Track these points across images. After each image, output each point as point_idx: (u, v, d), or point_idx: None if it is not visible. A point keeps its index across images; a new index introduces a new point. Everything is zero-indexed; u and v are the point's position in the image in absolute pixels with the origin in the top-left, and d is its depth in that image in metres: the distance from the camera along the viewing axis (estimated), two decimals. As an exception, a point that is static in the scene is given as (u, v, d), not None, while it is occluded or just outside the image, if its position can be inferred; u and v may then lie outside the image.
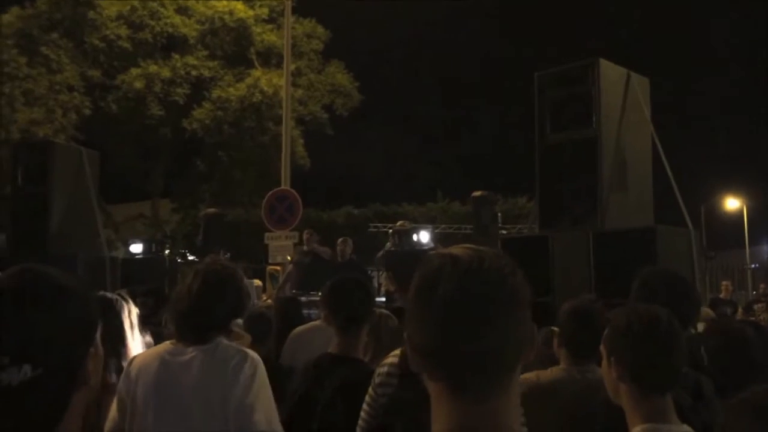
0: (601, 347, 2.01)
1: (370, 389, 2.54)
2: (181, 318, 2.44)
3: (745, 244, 27.57)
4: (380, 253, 8.51)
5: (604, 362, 1.99)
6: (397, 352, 2.50)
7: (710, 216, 27.24)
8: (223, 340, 2.43)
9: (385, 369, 2.54)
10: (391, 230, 8.93)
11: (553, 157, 5.84)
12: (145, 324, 3.94)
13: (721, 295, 12.33)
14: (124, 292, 3.18)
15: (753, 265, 21.27)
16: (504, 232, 13.73)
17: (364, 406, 2.55)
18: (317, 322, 4.46)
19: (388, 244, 8.33)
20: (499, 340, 1.05)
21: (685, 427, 1.86)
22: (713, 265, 15.89)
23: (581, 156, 5.59)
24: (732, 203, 30.89)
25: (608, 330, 2.00)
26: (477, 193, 7.72)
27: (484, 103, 28.01)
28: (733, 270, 17.76)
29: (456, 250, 1.13)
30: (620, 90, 5.74)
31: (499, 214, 8.37)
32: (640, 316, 1.93)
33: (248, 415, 2.27)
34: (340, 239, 8.86)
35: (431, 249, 7.24)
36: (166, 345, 2.47)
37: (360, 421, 2.57)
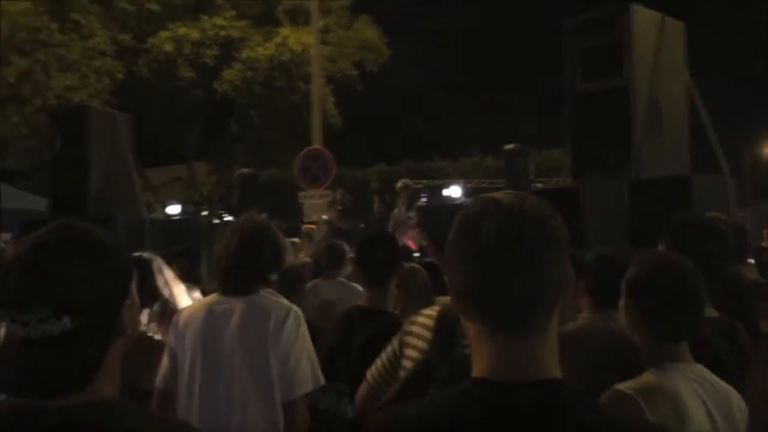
0: (623, 284, 2.02)
1: (394, 342, 2.58)
2: (223, 272, 2.56)
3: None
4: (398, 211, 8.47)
5: (624, 300, 2.01)
6: (430, 312, 2.48)
7: (756, 163, 26.54)
8: (265, 292, 2.54)
9: (413, 328, 2.55)
10: (400, 187, 8.86)
11: (584, 107, 5.74)
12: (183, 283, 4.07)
13: (764, 243, 12.12)
14: (157, 255, 3.30)
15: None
16: (539, 185, 13.60)
17: (383, 356, 2.60)
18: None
19: (399, 205, 8.32)
20: (539, 280, 1.09)
21: (698, 366, 1.88)
22: (757, 212, 15.55)
23: (613, 105, 5.48)
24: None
25: (632, 271, 2.01)
26: (509, 147, 7.65)
27: (515, 53, 27.42)
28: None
29: (497, 194, 1.17)
30: (653, 36, 5.58)
31: (533, 167, 8.31)
32: (665, 267, 1.94)
33: (294, 366, 2.38)
34: (376, 196, 8.89)
35: (463, 203, 7.24)
36: (211, 297, 2.59)
37: (374, 369, 2.61)
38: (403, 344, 2.53)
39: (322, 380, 2.49)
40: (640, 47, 5.49)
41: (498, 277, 1.09)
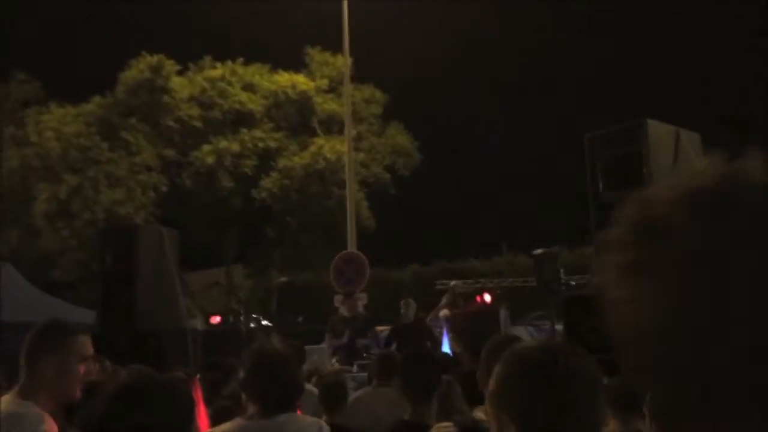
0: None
1: None
2: (252, 395, 2.73)
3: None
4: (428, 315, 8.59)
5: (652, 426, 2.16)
6: (449, 425, 2.62)
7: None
8: (293, 414, 2.70)
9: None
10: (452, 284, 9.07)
11: (607, 216, 5.94)
12: (212, 398, 4.20)
13: None
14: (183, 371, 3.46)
15: None
16: (573, 283, 13.63)
17: None
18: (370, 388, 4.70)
19: (443, 302, 8.47)
20: (588, 419, 1.34)
21: None
22: None
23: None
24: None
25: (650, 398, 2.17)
26: (538, 251, 7.86)
27: (539, 155, 28.16)
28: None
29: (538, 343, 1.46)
30: (670, 148, 5.87)
31: (562, 270, 8.46)
32: None
33: None
34: (403, 301, 9.05)
35: (495, 310, 7.39)
36: (238, 420, 2.73)
37: None
38: None
39: None
40: (658, 158, 5.77)
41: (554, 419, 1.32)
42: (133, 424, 1.53)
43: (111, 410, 1.55)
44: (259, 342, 2.92)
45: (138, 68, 22.33)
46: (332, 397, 4.26)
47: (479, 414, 2.52)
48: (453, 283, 9.56)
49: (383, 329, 10.77)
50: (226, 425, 2.69)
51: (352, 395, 4.71)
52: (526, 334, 13.89)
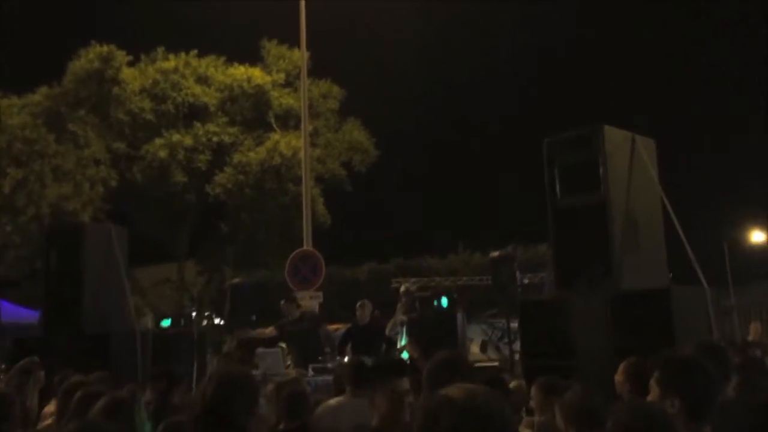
0: None
1: None
2: (196, 419, 2.65)
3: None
4: (399, 318, 8.56)
5: None
6: None
7: (735, 251, 26.99)
8: None
9: None
10: (403, 291, 9.01)
11: (565, 220, 6.00)
12: (162, 407, 4.08)
13: (750, 337, 12.19)
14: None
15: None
16: (525, 281, 13.76)
17: None
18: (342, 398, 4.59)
19: (399, 308, 8.42)
20: None
21: None
22: (741, 302, 15.71)
23: (592, 219, 5.74)
24: (757, 236, 30.57)
25: (610, 423, 2.14)
26: (495, 254, 7.89)
27: (500, 159, 28.41)
28: (760, 305, 17.48)
29: (451, 390, 1.40)
30: (626, 153, 5.92)
31: (518, 273, 8.50)
32: (639, 418, 2.08)
33: None
34: (359, 303, 8.97)
35: (452, 313, 7.38)
36: None
37: None
38: None
39: None
40: (614, 164, 5.81)
41: None
42: None
43: None
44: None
45: (87, 58, 21.64)
46: (293, 411, 4.13)
47: None
48: (404, 287, 9.50)
49: (338, 327, 10.69)
50: None
51: (326, 404, 4.56)
52: (480, 332, 14.06)
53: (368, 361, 4.86)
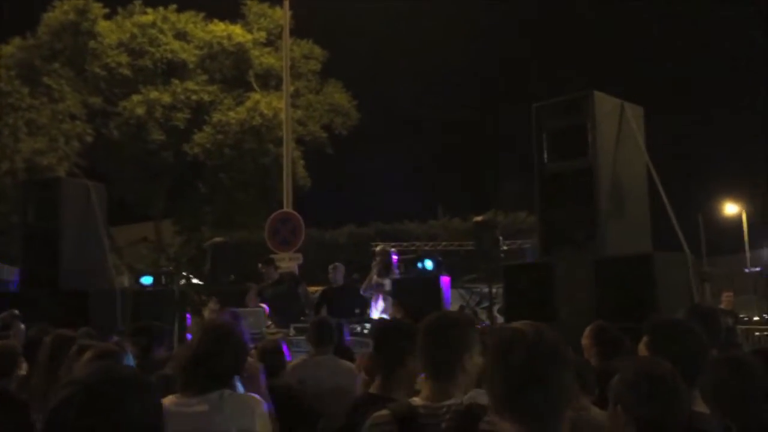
0: (609, 394, 2.18)
1: None
2: (184, 370, 2.62)
3: (745, 248, 27.83)
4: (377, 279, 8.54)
5: (611, 408, 2.16)
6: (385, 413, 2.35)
7: (709, 222, 27.49)
8: (227, 392, 2.59)
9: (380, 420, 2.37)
10: (378, 251, 9.02)
11: (551, 186, 6.01)
12: (144, 363, 4.06)
13: (722, 305, 12.45)
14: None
15: (757, 269, 21.19)
16: (505, 248, 13.88)
17: None
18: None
19: (374, 270, 8.44)
20: (554, 394, 1.51)
21: None
22: (714, 273, 16.05)
23: (578, 185, 5.76)
24: (731, 208, 31.13)
25: (617, 380, 2.16)
26: (478, 219, 7.90)
27: (483, 124, 28.35)
28: (732, 276, 17.89)
29: (521, 325, 1.60)
30: (615, 120, 5.92)
31: (501, 238, 8.53)
32: (646, 374, 2.10)
33: None
34: (331, 266, 9.02)
35: (435, 276, 7.40)
36: (170, 398, 2.59)
37: None
38: None
39: None
40: (602, 131, 5.81)
41: (525, 391, 1.50)
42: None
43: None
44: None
45: (62, 9, 20.98)
46: (271, 366, 4.18)
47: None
48: (380, 246, 9.52)
49: (317, 290, 10.70)
50: (167, 399, 2.56)
51: (290, 365, 4.64)
52: (458, 297, 14.18)
53: (335, 321, 4.99)
